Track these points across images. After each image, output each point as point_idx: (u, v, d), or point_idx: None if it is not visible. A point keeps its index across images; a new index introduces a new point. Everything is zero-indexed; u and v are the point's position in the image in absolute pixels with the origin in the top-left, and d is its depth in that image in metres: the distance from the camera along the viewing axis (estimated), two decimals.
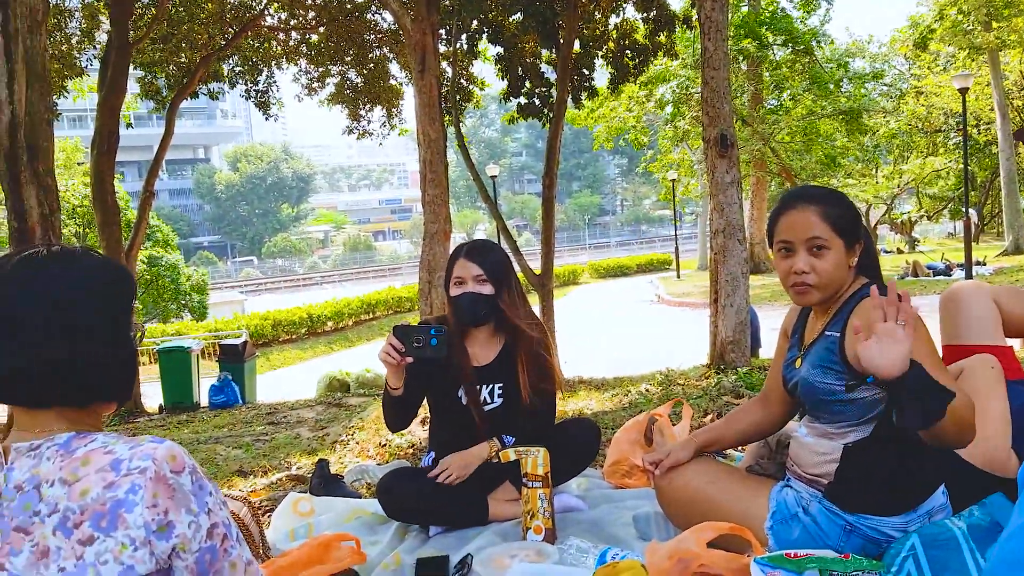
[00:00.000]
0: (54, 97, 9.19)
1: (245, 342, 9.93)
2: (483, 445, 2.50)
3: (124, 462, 1.15)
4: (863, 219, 1.99)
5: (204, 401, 9.01)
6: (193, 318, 21.08)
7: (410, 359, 2.35)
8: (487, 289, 2.50)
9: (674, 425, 2.98)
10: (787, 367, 2.06)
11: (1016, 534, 0.82)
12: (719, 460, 2.70)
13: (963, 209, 19.19)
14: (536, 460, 2.24)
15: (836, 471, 1.90)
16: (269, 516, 2.83)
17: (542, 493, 2.24)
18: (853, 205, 1.98)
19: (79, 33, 10.48)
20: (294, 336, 20.04)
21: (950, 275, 17.76)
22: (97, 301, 1.24)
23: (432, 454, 2.70)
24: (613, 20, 10.45)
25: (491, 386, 2.55)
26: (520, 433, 2.52)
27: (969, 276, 16.15)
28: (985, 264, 18.61)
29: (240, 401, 8.93)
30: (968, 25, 21.06)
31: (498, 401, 2.56)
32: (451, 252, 2.65)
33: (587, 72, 10.52)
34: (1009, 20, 20.71)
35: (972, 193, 20.15)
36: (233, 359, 9.39)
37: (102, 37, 10.33)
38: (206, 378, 9.47)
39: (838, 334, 1.87)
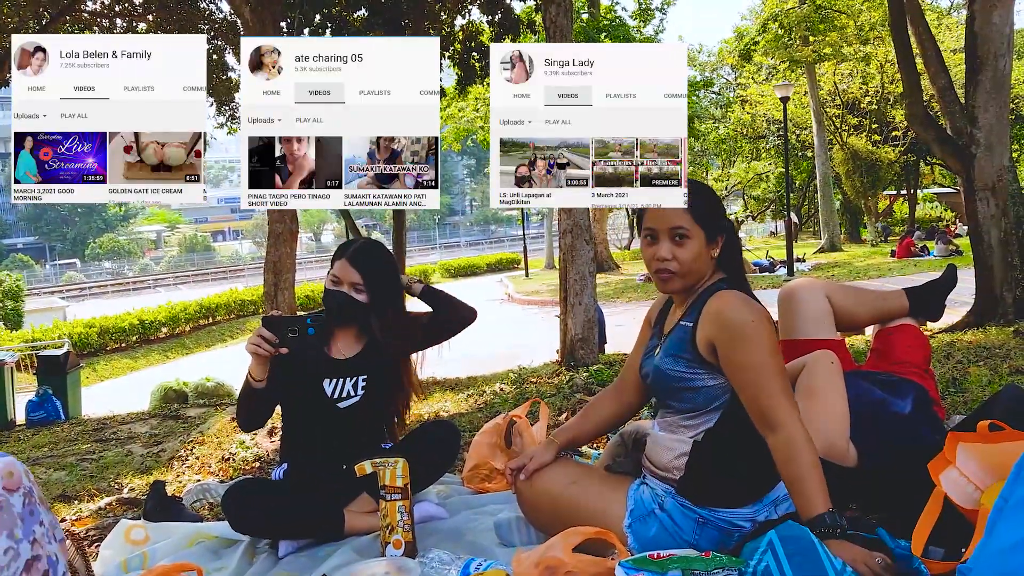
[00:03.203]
0: None
1: (67, 352, 9.19)
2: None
3: None
4: (727, 216, 2.15)
5: (21, 418, 8.28)
6: (7, 327, 19.29)
7: (284, 350, 2.25)
8: (362, 298, 2.46)
9: (532, 425, 2.98)
10: (646, 356, 2.11)
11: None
12: (577, 460, 2.73)
13: (784, 210, 20.71)
14: (395, 471, 2.15)
15: (686, 464, 1.95)
16: (98, 547, 2.57)
17: (401, 505, 2.15)
18: (719, 200, 2.07)
19: None
20: (124, 344, 18.64)
21: (774, 271, 19.09)
22: None
23: (285, 466, 2.55)
24: (459, 21, 10.47)
25: (355, 379, 2.49)
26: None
27: (791, 272, 17.45)
28: (804, 261, 20.13)
29: (62, 417, 8.28)
30: (788, 39, 22.79)
31: (359, 395, 2.48)
32: (339, 247, 2.59)
33: None
34: (825, 35, 22.66)
35: (791, 195, 21.79)
36: (53, 371, 8.68)
37: None
38: (23, 393, 8.75)
39: (691, 324, 1.94)
